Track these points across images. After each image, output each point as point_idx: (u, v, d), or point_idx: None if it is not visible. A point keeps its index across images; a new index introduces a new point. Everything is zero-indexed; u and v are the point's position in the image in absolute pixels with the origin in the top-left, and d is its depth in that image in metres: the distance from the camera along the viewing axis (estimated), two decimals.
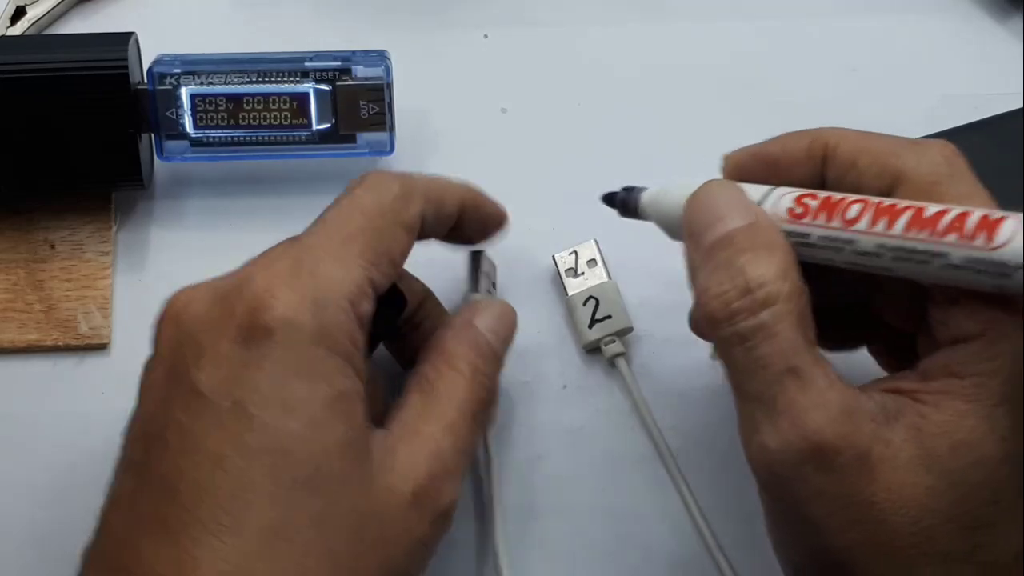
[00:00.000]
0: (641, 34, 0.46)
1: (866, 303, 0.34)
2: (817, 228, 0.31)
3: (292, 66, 0.41)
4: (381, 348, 0.38)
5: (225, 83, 0.41)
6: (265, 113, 0.41)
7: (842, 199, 0.31)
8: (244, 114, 0.41)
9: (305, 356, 0.31)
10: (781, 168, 0.33)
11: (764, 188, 0.32)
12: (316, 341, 0.31)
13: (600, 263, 0.41)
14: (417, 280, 0.38)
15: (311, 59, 0.41)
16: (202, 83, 0.40)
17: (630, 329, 0.40)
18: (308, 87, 0.41)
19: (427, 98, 0.44)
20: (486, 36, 0.46)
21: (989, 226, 0.28)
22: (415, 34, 0.46)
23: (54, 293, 0.41)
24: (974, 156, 0.32)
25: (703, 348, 0.37)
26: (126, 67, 0.40)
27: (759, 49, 0.46)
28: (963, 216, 0.28)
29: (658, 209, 0.35)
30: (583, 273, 0.41)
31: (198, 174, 0.43)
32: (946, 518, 0.28)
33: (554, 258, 0.41)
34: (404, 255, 0.34)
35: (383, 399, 0.35)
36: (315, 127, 0.41)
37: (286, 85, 0.41)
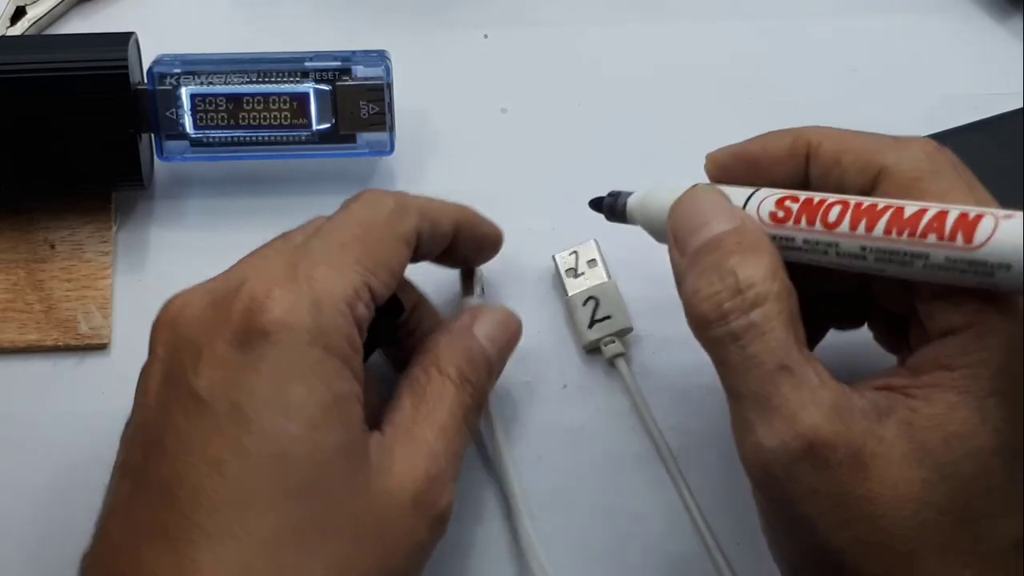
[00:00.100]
0: (641, 34, 0.46)
1: (865, 287, 0.35)
2: (800, 232, 0.31)
3: (292, 66, 0.41)
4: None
5: (225, 83, 0.41)
6: (265, 113, 0.41)
7: (822, 201, 0.31)
8: (244, 114, 0.41)
9: (303, 358, 0.31)
10: (763, 167, 0.34)
11: (746, 191, 0.33)
12: (313, 343, 0.31)
13: (600, 263, 0.41)
14: (411, 285, 0.38)
15: (311, 59, 0.41)
16: (202, 83, 0.40)
17: (630, 329, 0.40)
18: (308, 87, 0.41)
19: (427, 98, 0.44)
20: (486, 36, 0.46)
21: (967, 226, 0.28)
22: (415, 34, 0.46)
23: (54, 293, 0.41)
24: (974, 156, 0.32)
25: (701, 348, 0.37)
26: (126, 67, 0.40)
27: (759, 49, 0.46)
28: (942, 216, 0.29)
29: (644, 213, 0.35)
30: (583, 273, 0.41)
31: (198, 174, 0.43)
32: (941, 511, 0.28)
33: (554, 258, 0.41)
34: (402, 266, 0.34)
35: (378, 402, 0.35)
36: (315, 127, 0.41)
37: (286, 85, 0.41)
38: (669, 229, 0.33)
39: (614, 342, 0.40)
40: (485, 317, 0.37)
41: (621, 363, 0.40)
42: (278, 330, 0.30)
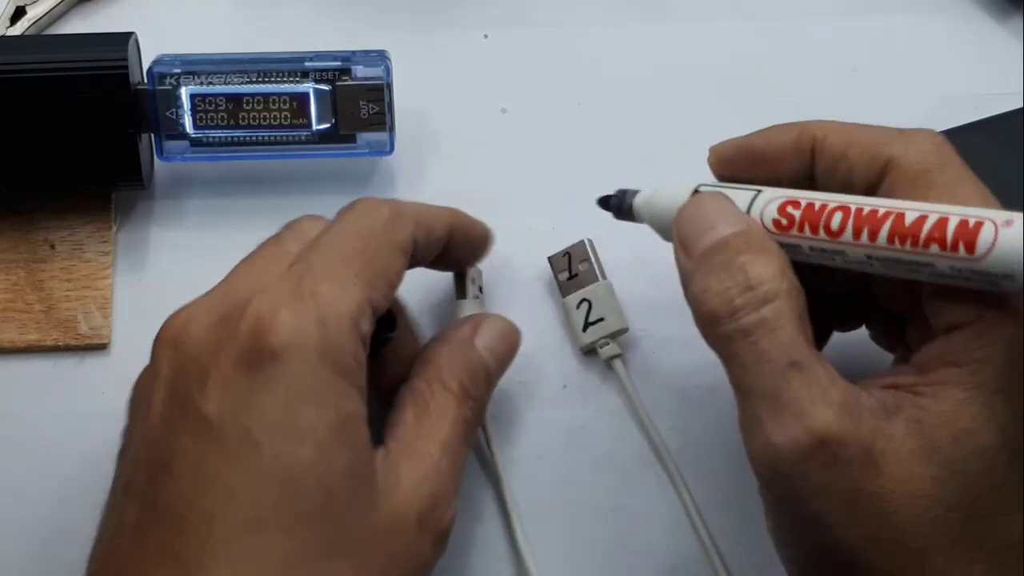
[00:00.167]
0: (641, 34, 0.46)
1: (866, 288, 0.35)
2: (805, 239, 0.31)
3: (292, 66, 0.41)
4: None
5: (225, 83, 0.41)
6: (265, 113, 0.41)
7: (823, 207, 0.31)
8: (244, 114, 0.41)
9: (312, 380, 0.30)
10: (768, 162, 0.34)
11: (749, 195, 0.33)
12: (322, 364, 0.31)
13: (594, 264, 0.41)
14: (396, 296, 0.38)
15: (311, 59, 0.41)
16: (202, 83, 0.40)
17: (625, 330, 0.40)
18: (308, 87, 0.41)
19: (427, 98, 0.44)
20: (486, 36, 0.46)
21: (968, 235, 0.28)
22: (415, 34, 0.46)
23: (54, 293, 0.41)
24: (974, 156, 0.32)
25: (701, 347, 0.37)
26: (126, 67, 0.40)
27: (759, 49, 0.46)
28: (942, 224, 0.28)
29: (652, 211, 0.35)
30: (577, 274, 0.41)
31: (198, 174, 0.43)
32: (951, 507, 0.28)
33: (548, 260, 0.41)
34: (400, 276, 0.34)
35: (368, 411, 0.35)
36: (315, 127, 0.41)
37: (286, 85, 0.41)
38: (676, 234, 0.33)
39: (609, 344, 0.40)
40: (485, 328, 0.37)
41: (618, 364, 0.40)
42: (287, 351, 0.30)
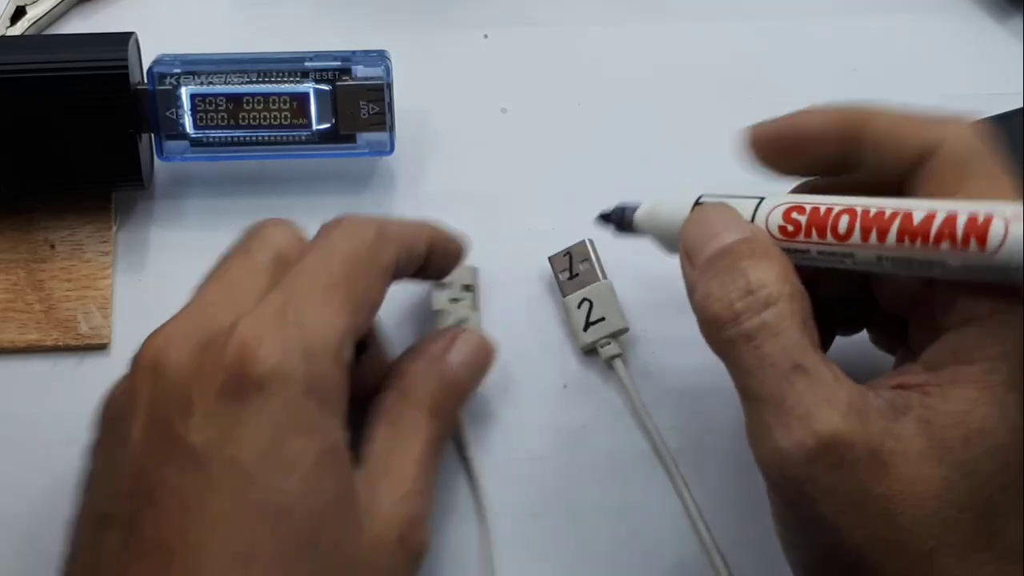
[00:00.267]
0: (641, 34, 0.46)
1: (865, 292, 0.35)
2: (813, 244, 0.31)
3: (292, 66, 0.41)
4: None
5: (225, 83, 0.41)
6: (265, 113, 0.41)
7: (828, 211, 0.31)
8: (244, 114, 0.41)
9: (298, 410, 0.30)
10: (807, 146, 0.33)
11: (752, 203, 0.33)
12: (308, 394, 0.30)
13: (595, 263, 0.41)
14: None
15: (311, 59, 0.41)
16: (202, 83, 0.40)
17: (625, 330, 0.40)
18: (308, 87, 0.41)
19: (427, 98, 0.44)
20: (486, 36, 0.46)
21: (979, 230, 0.28)
22: (415, 34, 0.46)
23: (54, 293, 0.41)
24: None
25: (701, 348, 0.37)
26: (126, 67, 0.40)
27: (759, 49, 0.46)
28: (951, 220, 0.28)
29: (654, 224, 0.35)
30: (577, 274, 0.41)
31: (198, 174, 0.43)
32: (962, 508, 0.28)
33: (549, 260, 0.41)
34: (382, 298, 0.34)
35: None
36: (315, 127, 0.41)
37: (286, 85, 0.41)
38: (681, 245, 0.33)
39: (610, 343, 0.40)
40: (460, 343, 0.37)
41: (618, 364, 0.40)
42: (273, 381, 0.30)
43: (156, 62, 0.41)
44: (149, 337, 0.32)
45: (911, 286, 0.32)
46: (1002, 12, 0.47)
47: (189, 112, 0.41)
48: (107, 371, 0.40)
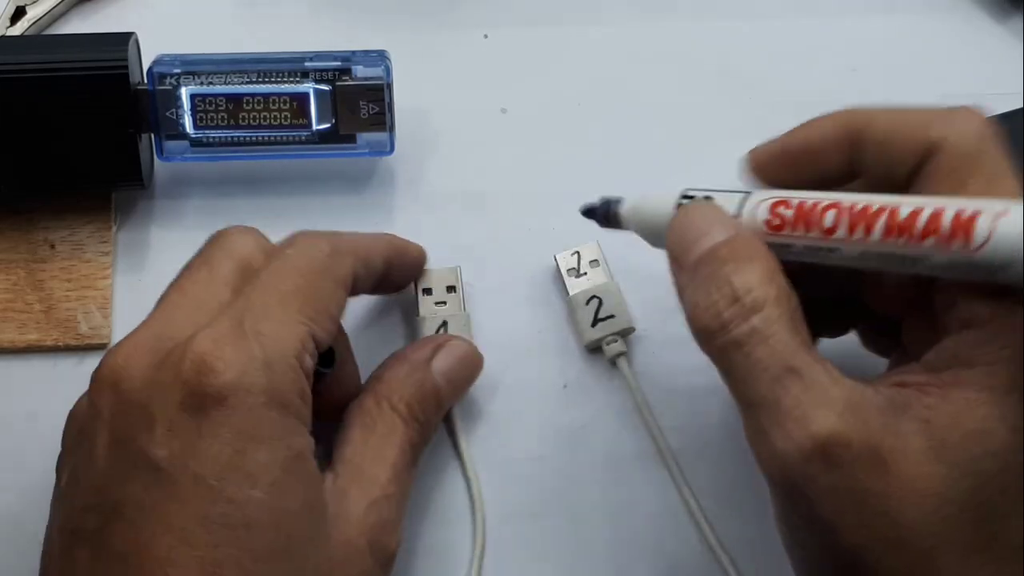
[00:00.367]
0: (641, 34, 0.46)
1: (855, 293, 0.35)
2: (799, 239, 0.31)
3: (292, 66, 0.41)
4: None
5: (225, 83, 0.41)
6: (265, 113, 0.41)
7: (815, 205, 0.31)
8: (244, 114, 0.41)
9: (260, 421, 0.30)
10: (810, 160, 0.33)
11: (737, 198, 0.32)
12: (269, 404, 0.31)
13: (603, 264, 0.41)
14: (340, 328, 0.38)
15: (311, 59, 0.41)
16: (202, 83, 0.40)
17: (632, 329, 0.40)
18: (308, 87, 0.41)
19: (427, 98, 0.44)
20: (486, 36, 0.46)
21: (964, 226, 0.28)
22: (415, 34, 0.46)
23: (54, 293, 0.41)
24: None
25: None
26: (126, 67, 0.40)
27: (759, 49, 0.46)
28: (938, 215, 0.28)
29: (639, 219, 0.35)
30: (585, 273, 0.41)
31: (198, 174, 0.43)
32: (962, 507, 0.28)
33: (555, 257, 0.41)
34: (341, 311, 0.34)
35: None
36: (315, 127, 0.41)
37: (286, 85, 0.41)
38: (668, 249, 0.33)
39: (616, 341, 0.40)
40: (445, 351, 0.38)
41: (623, 362, 0.40)
42: (233, 393, 0.30)
43: (156, 62, 0.41)
44: (108, 352, 0.32)
45: (905, 288, 0.32)
46: (1002, 12, 0.47)
47: (189, 112, 0.41)
48: None
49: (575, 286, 0.41)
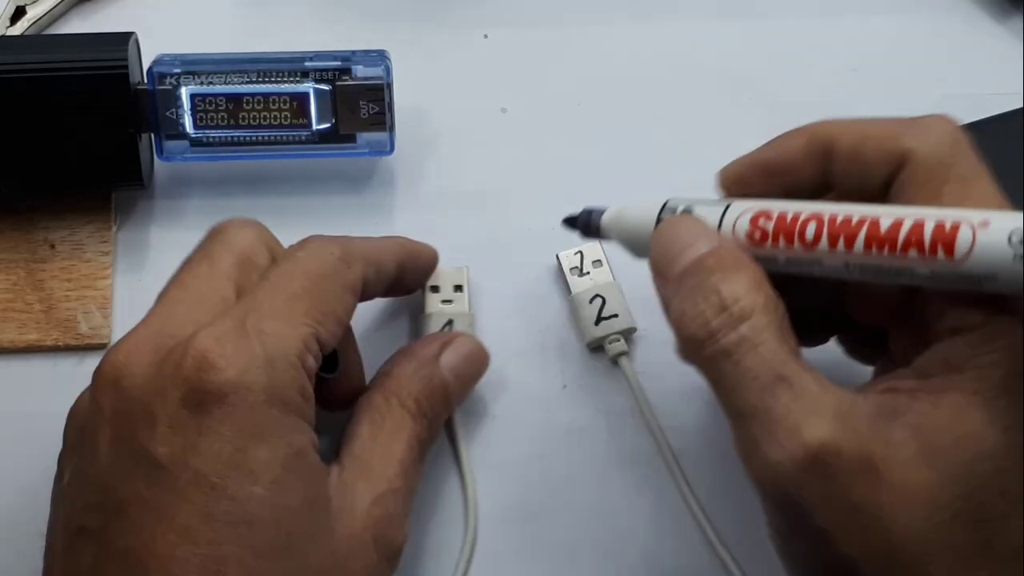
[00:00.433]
0: (641, 34, 0.46)
1: (840, 304, 0.34)
2: (781, 252, 0.31)
3: (292, 66, 0.41)
4: None
5: (225, 83, 0.41)
6: (265, 113, 0.41)
7: (796, 217, 0.30)
8: (244, 114, 0.41)
9: (261, 419, 0.30)
10: (782, 173, 0.33)
11: (718, 209, 0.32)
12: (270, 402, 0.31)
13: (605, 264, 0.41)
14: (349, 330, 0.38)
15: (311, 59, 0.41)
16: (202, 83, 0.40)
17: (635, 329, 0.40)
18: (308, 87, 0.41)
19: (427, 98, 0.44)
20: (486, 36, 0.46)
21: (946, 238, 0.27)
22: (415, 34, 0.46)
23: (54, 293, 0.41)
24: None
25: None
26: (126, 67, 0.40)
27: (759, 49, 0.46)
28: (919, 228, 0.28)
29: (620, 228, 0.35)
30: (588, 272, 0.41)
31: (198, 174, 0.43)
32: (955, 512, 0.28)
33: (558, 256, 0.41)
34: (349, 315, 0.34)
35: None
36: (315, 127, 0.41)
37: (286, 85, 0.41)
38: (651, 262, 0.32)
39: (619, 340, 0.40)
40: (453, 347, 0.37)
41: (624, 362, 0.40)
42: (234, 391, 0.30)
43: (156, 62, 0.41)
44: (110, 350, 0.32)
45: (889, 298, 0.32)
46: (1002, 12, 0.47)
47: (189, 112, 0.41)
48: None
49: (578, 285, 0.41)
